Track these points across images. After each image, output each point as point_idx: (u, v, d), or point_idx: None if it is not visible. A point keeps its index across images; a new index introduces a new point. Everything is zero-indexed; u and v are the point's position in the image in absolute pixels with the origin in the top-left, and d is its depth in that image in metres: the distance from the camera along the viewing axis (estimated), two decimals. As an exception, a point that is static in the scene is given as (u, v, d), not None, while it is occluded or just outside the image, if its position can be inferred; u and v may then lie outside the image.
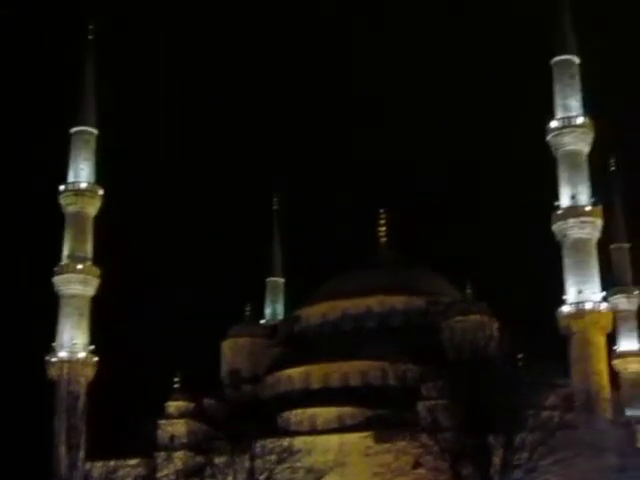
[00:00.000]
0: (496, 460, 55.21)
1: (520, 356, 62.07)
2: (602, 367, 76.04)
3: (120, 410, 76.61)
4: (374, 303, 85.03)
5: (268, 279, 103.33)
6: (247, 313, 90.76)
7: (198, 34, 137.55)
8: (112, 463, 62.95)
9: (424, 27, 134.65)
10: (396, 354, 73.52)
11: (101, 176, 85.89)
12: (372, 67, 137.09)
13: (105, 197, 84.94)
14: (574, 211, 76.67)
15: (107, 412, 70.37)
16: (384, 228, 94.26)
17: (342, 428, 71.62)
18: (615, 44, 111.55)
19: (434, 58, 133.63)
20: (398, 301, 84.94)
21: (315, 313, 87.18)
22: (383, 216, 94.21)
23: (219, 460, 64.11)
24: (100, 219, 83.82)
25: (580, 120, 78.10)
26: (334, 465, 66.28)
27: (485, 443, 55.36)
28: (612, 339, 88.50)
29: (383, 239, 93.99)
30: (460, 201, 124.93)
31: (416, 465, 60.11)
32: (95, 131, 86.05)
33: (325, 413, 73.07)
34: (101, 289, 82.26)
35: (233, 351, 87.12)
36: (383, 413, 68.69)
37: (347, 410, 73.06)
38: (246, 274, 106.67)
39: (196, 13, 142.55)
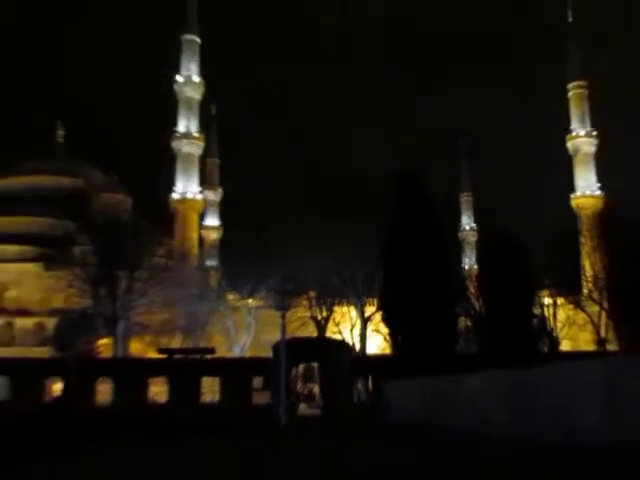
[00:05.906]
0: (122, 286, 65.00)
1: (144, 223, 71.74)
2: (194, 234, 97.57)
3: None
4: (46, 180, 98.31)
5: None
6: None
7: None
8: None
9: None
10: (60, 214, 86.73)
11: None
12: None
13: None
14: (188, 135, 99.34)
15: None
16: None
17: (22, 259, 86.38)
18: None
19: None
20: (64, 180, 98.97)
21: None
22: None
23: None
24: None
25: (197, 79, 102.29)
26: (13, 282, 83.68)
27: (115, 275, 64.87)
28: (202, 217, 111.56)
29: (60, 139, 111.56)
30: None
31: (70, 286, 67.03)
32: None
33: (11, 249, 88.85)
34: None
35: None
36: (51, 252, 77.22)
37: (26, 248, 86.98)
38: None
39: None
